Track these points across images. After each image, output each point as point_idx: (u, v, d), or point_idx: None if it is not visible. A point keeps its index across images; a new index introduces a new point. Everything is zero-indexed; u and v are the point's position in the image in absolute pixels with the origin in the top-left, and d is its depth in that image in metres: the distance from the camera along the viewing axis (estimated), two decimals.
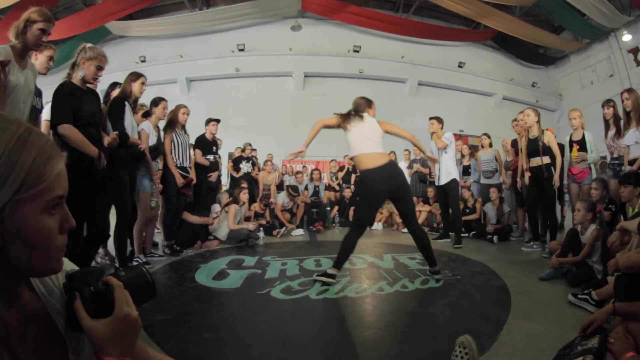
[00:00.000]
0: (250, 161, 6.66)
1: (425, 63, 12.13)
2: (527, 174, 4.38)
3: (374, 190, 2.98)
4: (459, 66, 12.20)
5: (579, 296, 2.34)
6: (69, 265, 0.79)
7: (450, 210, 4.95)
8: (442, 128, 4.93)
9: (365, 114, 3.15)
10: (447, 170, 4.81)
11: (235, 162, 6.60)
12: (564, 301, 2.42)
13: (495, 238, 4.97)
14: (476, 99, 12.60)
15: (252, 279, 3.12)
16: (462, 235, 5.44)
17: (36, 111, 2.70)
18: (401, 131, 3.26)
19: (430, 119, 5.02)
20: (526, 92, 12.76)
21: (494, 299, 2.58)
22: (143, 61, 11.34)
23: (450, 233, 5.08)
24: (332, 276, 2.89)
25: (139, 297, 0.77)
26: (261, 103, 11.70)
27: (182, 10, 11.29)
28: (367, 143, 3.01)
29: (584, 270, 2.89)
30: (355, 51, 11.85)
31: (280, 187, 7.21)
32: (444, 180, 4.84)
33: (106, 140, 2.73)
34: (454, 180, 4.81)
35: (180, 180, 4.08)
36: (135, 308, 0.72)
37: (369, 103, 3.26)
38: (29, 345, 0.65)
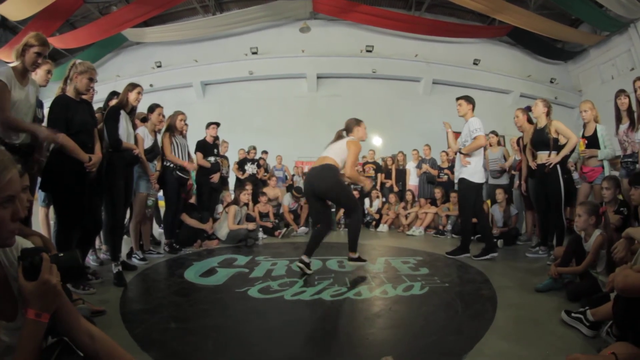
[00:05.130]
0: (256, 163, 6.73)
1: (440, 61, 11.91)
2: (524, 171, 4.18)
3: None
4: (474, 63, 11.87)
5: (573, 314, 2.06)
6: (28, 244, 1.11)
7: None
8: (473, 109, 4.12)
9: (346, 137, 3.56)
10: (459, 166, 4.16)
11: (241, 164, 6.69)
12: (557, 319, 2.15)
13: (499, 242, 4.75)
14: (493, 97, 12.19)
15: (236, 277, 3.20)
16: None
17: (38, 121, 2.92)
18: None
19: (458, 99, 4.18)
20: (544, 88, 12.22)
21: (477, 311, 2.39)
22: (159, 66, 11.71)
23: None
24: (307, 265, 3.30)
25: (70, 273, 1.07)
26: (275, 105, 11.84)
27: (196, 15, 11.58)
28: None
29: (586, 283, 2.58)
30: (368, 51, 11.77)
31: (290, 188, 7.28)
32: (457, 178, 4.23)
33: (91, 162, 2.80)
34: (462, 180, 4.08)
35: (192, 165, 4.49)
36: (68, 281, 1.09)
37: (357, 122, 3.61)
38: None
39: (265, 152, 7.82)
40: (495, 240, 4.80)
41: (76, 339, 1.06)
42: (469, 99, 4.13)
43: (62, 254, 1.06)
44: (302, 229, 5.99)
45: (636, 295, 1.38)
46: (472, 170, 4.02)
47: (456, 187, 5.07)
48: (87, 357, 1.07)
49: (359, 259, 3.40)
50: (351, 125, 3.58)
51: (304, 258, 3.31)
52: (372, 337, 2.04)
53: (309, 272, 3.26)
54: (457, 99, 4.18)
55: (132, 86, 3.44)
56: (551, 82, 12.37)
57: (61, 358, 1.03)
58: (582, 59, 12.39)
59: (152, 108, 4.10)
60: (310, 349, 1.87)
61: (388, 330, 2.15)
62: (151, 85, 11.48)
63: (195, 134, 5.30)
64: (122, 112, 3.29)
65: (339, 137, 3.60)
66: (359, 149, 3.46)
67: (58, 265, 1.01)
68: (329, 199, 3.57)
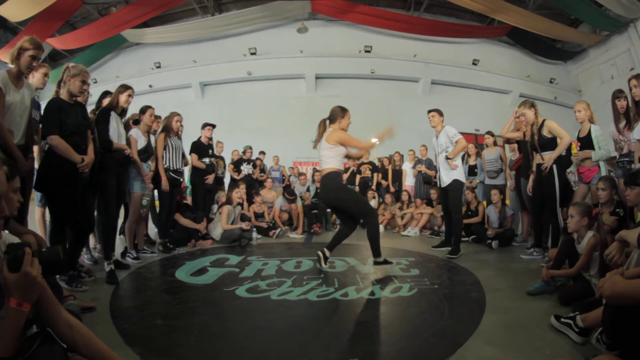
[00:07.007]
0: (252, 163, 6.74)
1: (439, 61, 11.89)
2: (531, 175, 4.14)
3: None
4: (474, 63, 11.86)
5: (562, 320, 1.99)
6: (15, 239, 1.20)
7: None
8: (442, 122, 4.46)
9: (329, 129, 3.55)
10: (447, 170, 4.39)
11: (236, 164, 6.70)
12: (546, 323, 2.06)
13: (494, 243, 4.73)
14: (492, 97, 12.20)
15: (226, 276, 3.23)
16: (462, 239, 5.24)
17: (35, 122, 2.98)
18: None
19: (430, 111, 4.50)
20: (544, 88, 12.22)
21: (463, 314, 2.34)
22: (158, 67, 11.74)
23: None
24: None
25: (51, 267, 1.15)
26: (273, 105, 11.85)
27: (195, 16, 11.60)
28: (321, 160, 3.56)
29: (578, 286, 2.51)
30: (366, 51, 11.77)
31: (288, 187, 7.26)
32: (446, 181, 4.39)
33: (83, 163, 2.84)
34: (455, 181, 4.32)
35: (165, 185, 4.24)
36: (49, 274, 1.16)
37: (343, 113, 3.56)
38: None
39: (262, 152, 7.82)
40: (490, 241, 4.83)
41: (56, 328, 1.14)
42: (440, 112, 4.47)
43: (44, 249, 1.16)
44: (301, 236, 5.89)
45: (624, 303, 1.32)
46: (460, 171, 4.39)
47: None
48: (66, 346, 1.15)
49: (385, 262, 3.46)
50: (336, 116, 3.55)
51: (326, 252, 3.52)
52: (353, 338, 2.03)
53: (324, 265, 3.45)
54: (429, 111, 4.51)
55: (124, 88, 3.50)
56: (551, 82, 12.34)
57: (43, 347, 1.09)
58: (581, 59, 12.34)
59: (144, 110, 4.13)
60: (290, 348, 1.87)
61: (369, 331, 2.13)
62: (150, 86, 11.54)
63: (194, 134, 5.34)
64: (112, 113, 3.34)
65: (322, 129, 3.62)
66: (344, 135, 3.46)
67: (40, 259, 1.10)
68: (342, 207, 3.56)
